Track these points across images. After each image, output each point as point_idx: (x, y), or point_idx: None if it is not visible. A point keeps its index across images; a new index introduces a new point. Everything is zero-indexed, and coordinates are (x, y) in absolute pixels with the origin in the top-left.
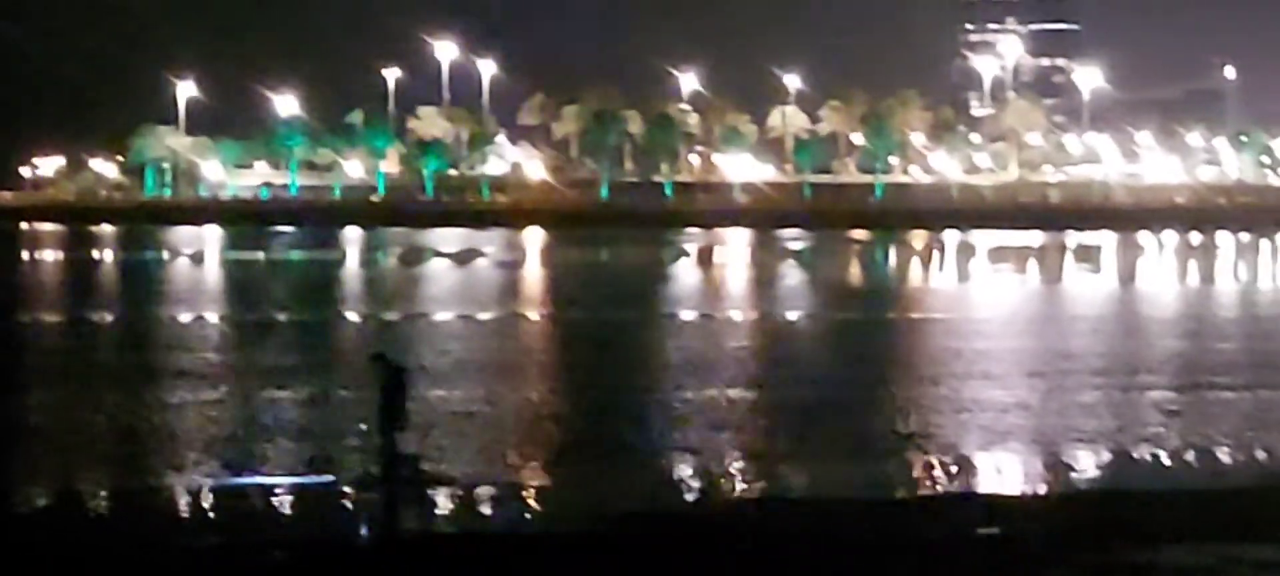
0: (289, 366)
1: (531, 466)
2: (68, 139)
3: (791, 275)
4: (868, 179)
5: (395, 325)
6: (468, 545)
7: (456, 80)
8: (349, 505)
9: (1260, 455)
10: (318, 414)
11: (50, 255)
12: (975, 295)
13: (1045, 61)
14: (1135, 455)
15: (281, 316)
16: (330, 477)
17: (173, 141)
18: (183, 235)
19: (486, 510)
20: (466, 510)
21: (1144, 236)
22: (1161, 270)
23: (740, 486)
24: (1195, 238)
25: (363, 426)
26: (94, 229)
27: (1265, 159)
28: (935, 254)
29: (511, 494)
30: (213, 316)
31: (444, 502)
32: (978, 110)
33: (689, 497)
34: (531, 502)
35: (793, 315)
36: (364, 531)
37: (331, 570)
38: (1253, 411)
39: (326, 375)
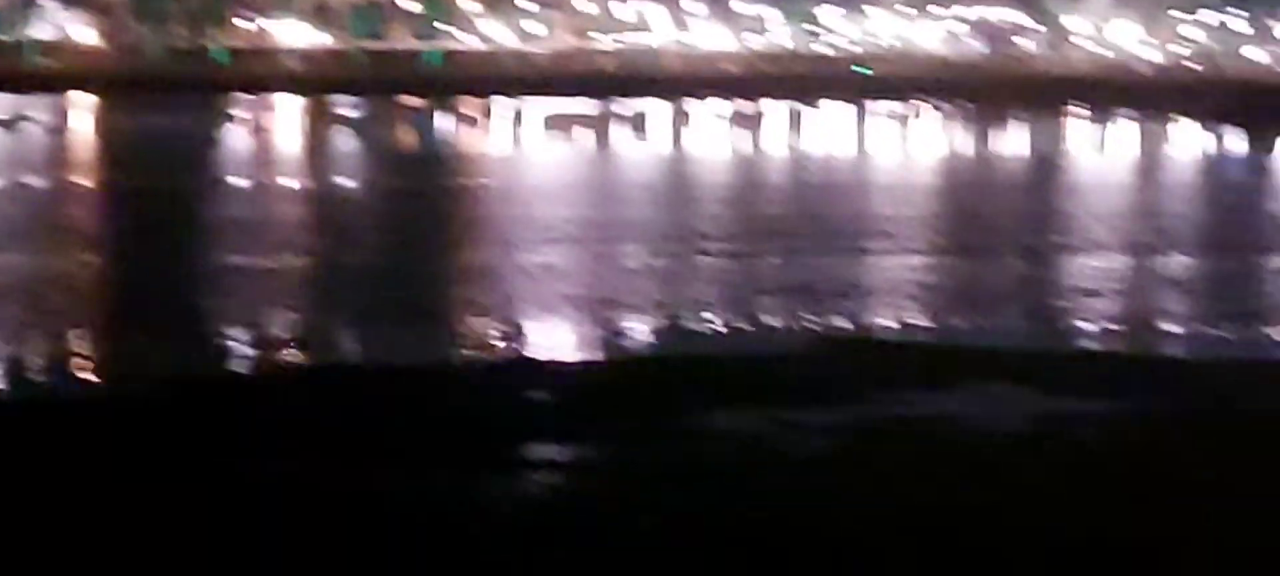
0: None
1: (74, 333)
2: None
3: (345, 142)
4: (422, 46)
5: None
6: None
7: None
8: None
9: (806, 319)
10: None
11: None
12: (528, 162)
13: None
14: (684, 320)
15: None
16: None
17: None
18: None
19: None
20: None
21: (693, 104)
22: (711, 138)
23: (289, 353)
24: (744, 106)
25: None
26: None
27: (810, 28)
28: (488, 121)
29: (51, 359)
30: None
31: None
32: None
33: (235, 364)
34: (71, 368)
35: (346, 182)
36: None
37: None
38: (797, 276)
39: None
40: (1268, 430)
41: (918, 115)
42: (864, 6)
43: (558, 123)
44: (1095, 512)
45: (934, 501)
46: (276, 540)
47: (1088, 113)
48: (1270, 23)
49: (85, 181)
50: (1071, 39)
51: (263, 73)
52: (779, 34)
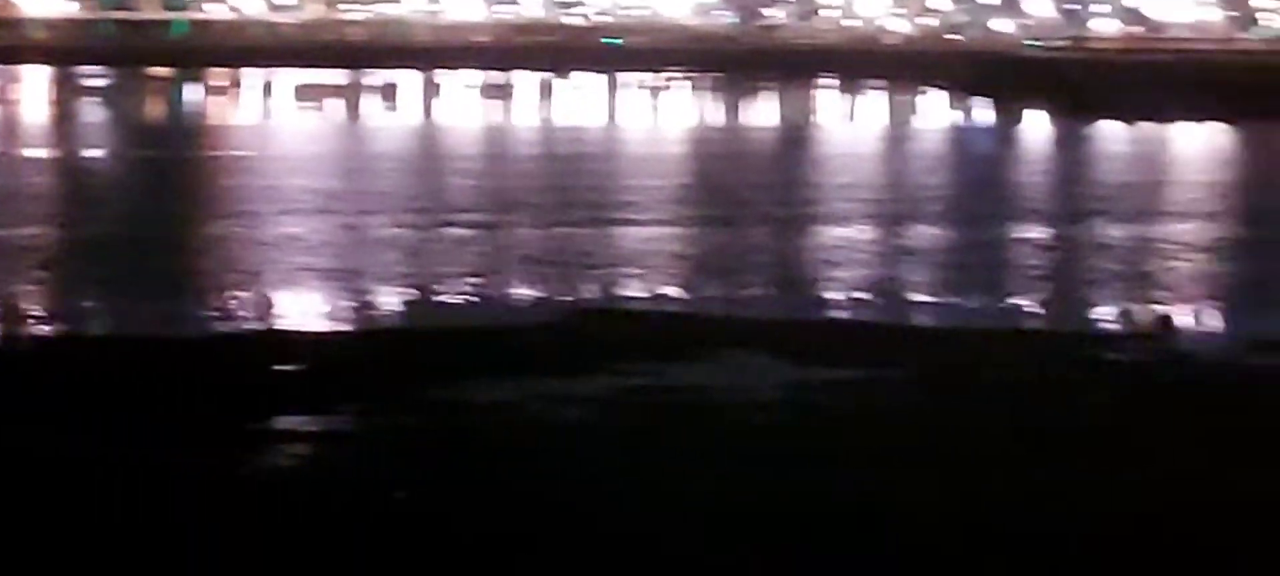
0: None
1: None
2: None
3: (92, 112)
4: (169, 16)
5: None
6: None
7: None
8: None
9: (557, 290)
10: None
11: None
12: (278, 133)
13: None
14: (435, 291)
15: None
16: None
17: None
18: None
19: None
20: None
21: (444, 75)
22: (462, 109)
23: (31, 324)
24: (495, 77)
25: None
26: None
27: None
28: (237, 92)
29: None
30: None
31: None
32: None
33: None
34: None
35: (92, 153)
36: None
37: None
38: (548, 247)
39: None
40: (1010, 396)
41: (668, 86)
42: None
43: (307, 93)
44: (845, 476)
45: (687, 468)
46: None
47: (837, 83)
48: None
49: None
50: (820, 10)
51: (9, 42)
52: (529, 5)
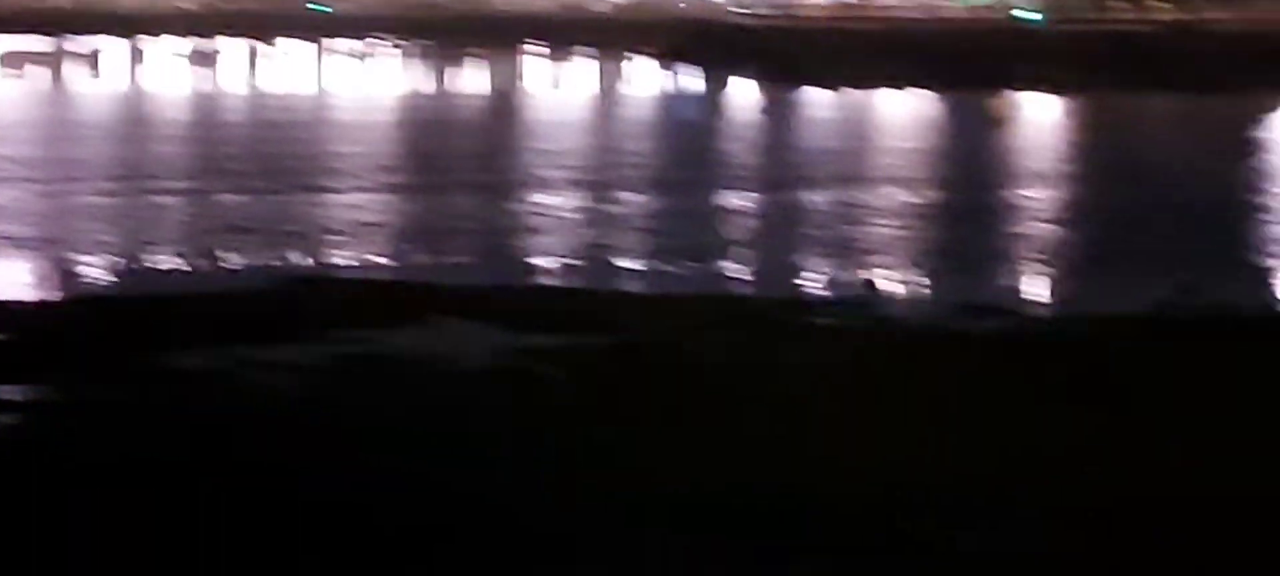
0: None
1: None
2: None
3: None
4: None
5: None
6: None
7: None
8: None
9: (266, 258)
10: None
11: None
12: None
13: None
14: (141, 259)
15: None
16: None
17: None
18: None
19: None
20: None
21: (149, 42)
22: (168, 76)
23: None
24: (201, 44)
25: None
26: None
27: None
28: None
29: None
30: None
31: None
32: None
33: None
34: None
35: None
36: None
37: None
38: (256, 215)
39: None
40: (717, 361)
41: (375, 53)
42: None
43: (10, 60)
44: (559, 442)
45: (395, 434)
46: None
47: (546, 50)
48: None
49: None
50: None
51: None
52: None
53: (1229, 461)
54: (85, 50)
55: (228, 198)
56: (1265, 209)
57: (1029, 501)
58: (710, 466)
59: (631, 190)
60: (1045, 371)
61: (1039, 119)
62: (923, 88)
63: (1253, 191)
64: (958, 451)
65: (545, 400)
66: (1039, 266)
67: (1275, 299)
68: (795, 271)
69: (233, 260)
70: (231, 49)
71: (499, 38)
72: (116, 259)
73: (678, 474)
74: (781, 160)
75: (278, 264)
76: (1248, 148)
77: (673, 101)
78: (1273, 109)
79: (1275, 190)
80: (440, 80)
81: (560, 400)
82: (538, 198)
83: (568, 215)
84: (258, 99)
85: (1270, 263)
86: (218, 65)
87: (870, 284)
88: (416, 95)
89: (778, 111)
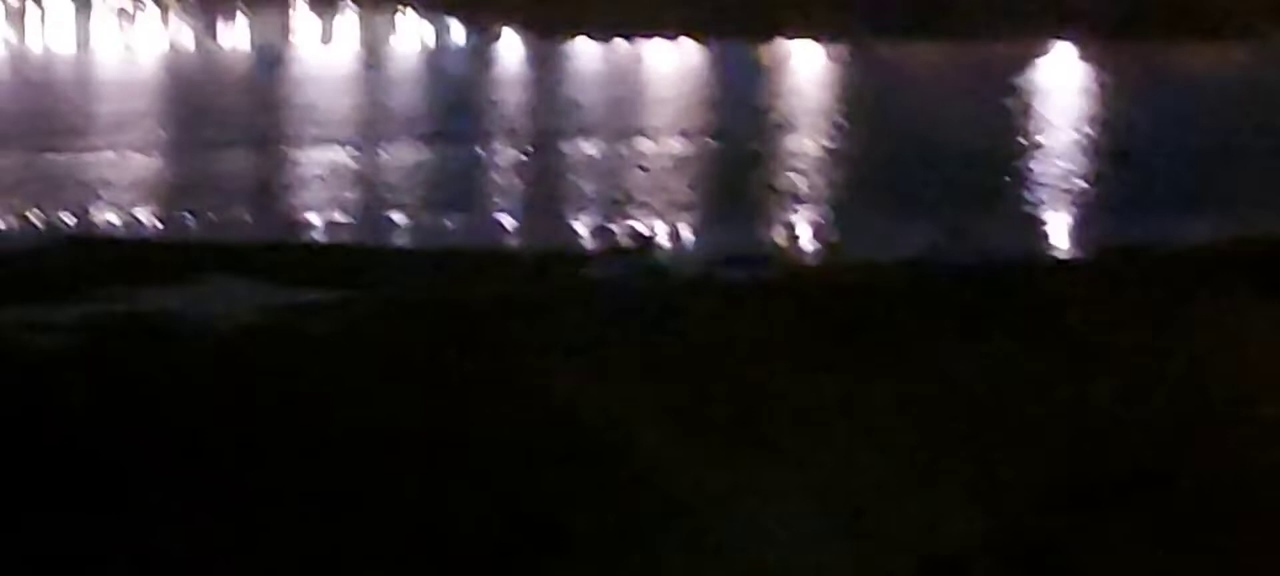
0: None
1: None
2: None
3: None
4: None
5: None
6: None
7: None
8: None
9: (29, 215)
10: None
11: None
12: None
13: None
14: None
15: None
16: None
17: None
18: None
19: None
20: None
21: None
22: None
23: None
24: None
25: None
26: None
27: None
28: None
29: None
30: None
31: None
32: None
33: None
34: None
35: None
36: None
37: None
38: (22, 173)
39: None
40: (487, 314)
41: (142, 7)
42: None
43: None
44: (336, 401)
45: (158, 392)
46: None
47: (310, 4)
48: None
49: None
50: None
51: None
52: None
53: (982, 397)
54: None
55: None
56: (1030, 154)
57: (766, 444)
58: (475, 416)
59: (399, 143)
60: (809, 317)
61: (807, 67)
62: (692, 37)
63: (1018, 137)
64: (704, 397)
65: (309, 356)
66: (807, 213)
67: (1038, 242)
68: (566, 223)
69: None
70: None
71: None
72: None
73: (441, 424)
74: (551, 112)
75: (42, 221)
76: (1013, 94)
77: (440, 55)
78: (1037, 55)
79: (1039, 136)
80: (206, 36)
81: (324, 355)
82: (306, 153)
83: (335, 170)
84: (19, 56)
85: (1034, 208)
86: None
87: (639, 234)
88: (181, 51)
89: (547, 63)
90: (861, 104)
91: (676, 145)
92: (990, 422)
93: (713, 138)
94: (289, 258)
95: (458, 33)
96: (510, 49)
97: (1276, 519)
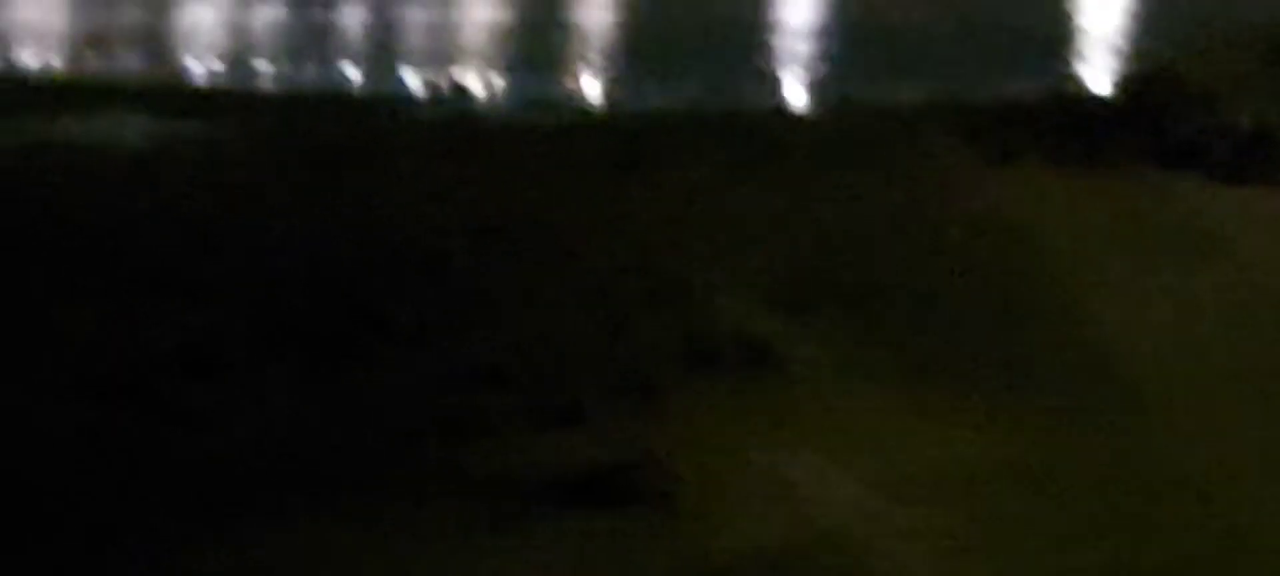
0: None
1: None
2: None
3: None
4: None
5: None
6: None
7: None
8: None
9: None
10: None
11: None
12: None
13: None
14: None
15: None
16: None
17: None
18: None
19: None
20: None
21: None
22: None
23: None
24: None
25: None
26: None
27: None
28: None
29: None
30: None
31: None
32: None
33: None
34: None
35: None
36: None
37: None
38: None
39: None
40: (331, 145)
41: None
42: None
43: None
44: (207, 212)
45: (79, 199)
46: None
47: None
48: None
49: None
50: None
51: None
52: None
53: (729, 216)
54: None
55: None
56: (779, 32)
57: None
58: (316, 226)
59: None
60: (587, 149)
61: None
62: None
63: (773, 19)
64: (505, 212)
65: (187, 175)
66: (596, 72)
67: (775, 96)
68: (396, 73)
69: None
70: None
71: None
72: None
73: (290, 230)
74: None
75: None
76: None
77: None
78: None
79: (783, 11)
80: None
81: (199, 175)
82: (190, 10)
83: (213, 25)
84: None
85: (776, 69)
86: None
87: (457, 85)
88: None
89: None
90: None
91: (492, 10)
92: (734, 235)
93: (526, 6)
94: (167, 95)
95: None
96: None
97: (959, 313)
